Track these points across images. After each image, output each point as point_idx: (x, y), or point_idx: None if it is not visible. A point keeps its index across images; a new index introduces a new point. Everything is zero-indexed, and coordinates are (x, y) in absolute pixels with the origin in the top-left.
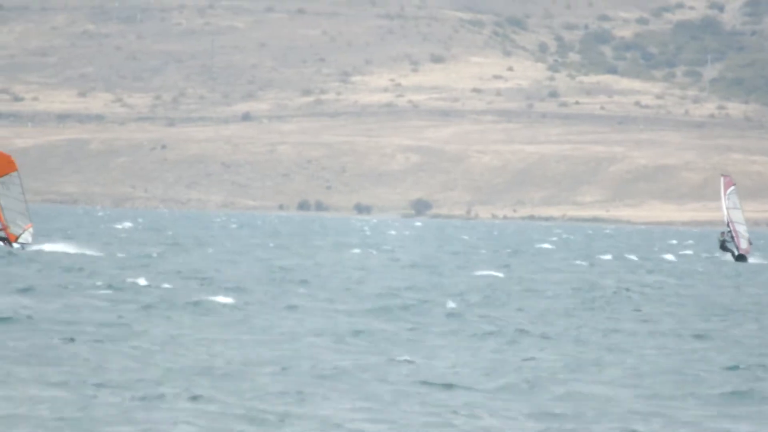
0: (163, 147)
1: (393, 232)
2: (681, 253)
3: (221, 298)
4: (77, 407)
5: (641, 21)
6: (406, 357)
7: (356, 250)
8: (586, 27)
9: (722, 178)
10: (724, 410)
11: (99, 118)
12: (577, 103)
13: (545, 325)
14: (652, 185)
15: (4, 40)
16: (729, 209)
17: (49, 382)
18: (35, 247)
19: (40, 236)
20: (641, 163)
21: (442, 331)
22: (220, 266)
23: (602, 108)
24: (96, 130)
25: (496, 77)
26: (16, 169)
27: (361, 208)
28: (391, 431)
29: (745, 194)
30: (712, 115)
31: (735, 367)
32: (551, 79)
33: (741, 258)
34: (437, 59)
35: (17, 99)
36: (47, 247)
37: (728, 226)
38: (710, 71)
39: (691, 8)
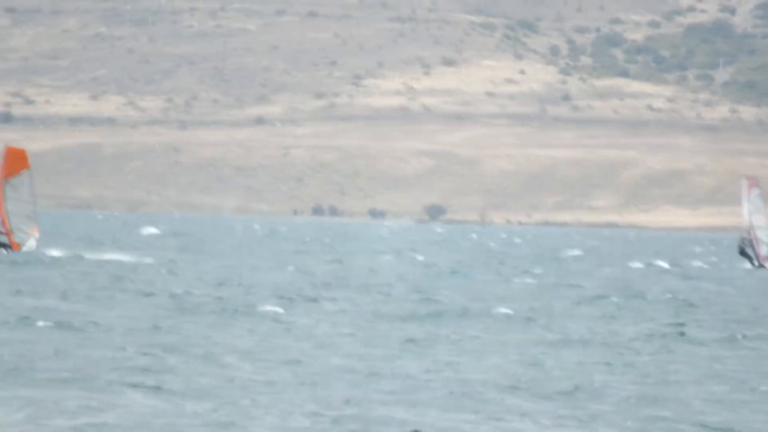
0: (176, 151)
1: (414, 238)
2: (712, 260)
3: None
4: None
5: (653, 24)
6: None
7: (387, 257)
8: (598, 30)
9: (745, 180)
10: None
11: (111, 121)
12: (589, 106)
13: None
14: (666, 190)
15: (16, 43)
16: (751, 213)
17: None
18: (90, 256)
19: (81, 245)
20: (655, 168)
21: (521, 337)
22: (268, 274)
23: (615, 112)
24: (108, 134)
25: (508, 81)
26: (28, 166)
27: (375, 213)
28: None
29: None
30: (724, 119)
31: None
32: (563, 82)
33: (761, 266)
34: (449, 62)
35: (29, 102)
36: (106, 256)
37: (748, 233)
38: (722, 75)
39: (703, 11)
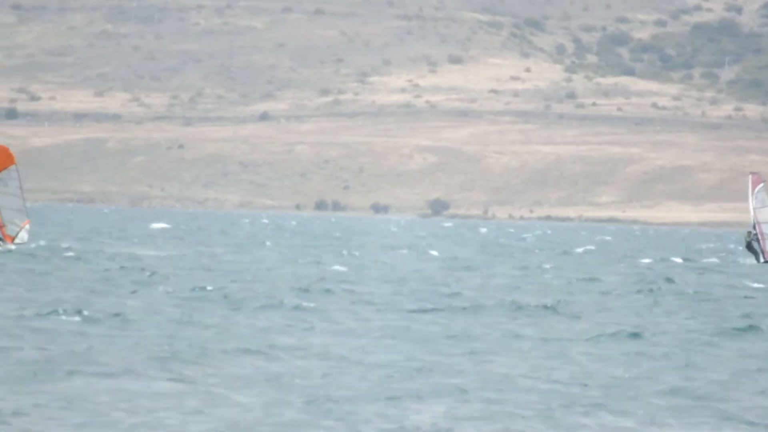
0: (181, 146)
1: (423, 233)
2: (721, 255)
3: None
4: None
5: (659, 23)
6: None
7: (404, 251)
8: (604, 29)
9: (750, 176)
10: None
11: (116, 117)
12: (594, 104)
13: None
14: (669, 186)
15: (22, 40)
16: (756, 209)
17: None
18: (114, 250)
19: (97, 238)
20: (658, 164)
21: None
22: (290, 267)
23: (619, 109)
24: (113, 130)
25: (514, 78)
26: (14, 162)
27: (378, 208)
28: None
29: None
30: (729, 117)
31: None
32: (568, 80)
33: (766, 262)
34: (455, 60)
35: (34, 98)
36: (126, 249)
37: (755, 228)
38: (727, 73)
39: (709, 10)
